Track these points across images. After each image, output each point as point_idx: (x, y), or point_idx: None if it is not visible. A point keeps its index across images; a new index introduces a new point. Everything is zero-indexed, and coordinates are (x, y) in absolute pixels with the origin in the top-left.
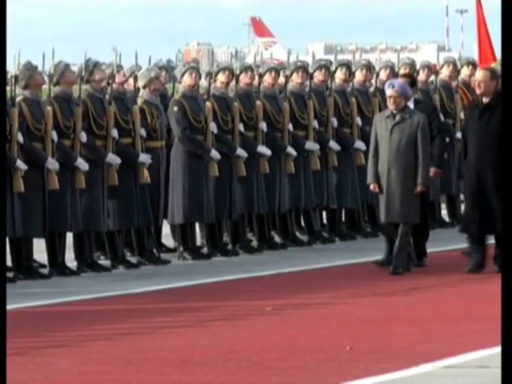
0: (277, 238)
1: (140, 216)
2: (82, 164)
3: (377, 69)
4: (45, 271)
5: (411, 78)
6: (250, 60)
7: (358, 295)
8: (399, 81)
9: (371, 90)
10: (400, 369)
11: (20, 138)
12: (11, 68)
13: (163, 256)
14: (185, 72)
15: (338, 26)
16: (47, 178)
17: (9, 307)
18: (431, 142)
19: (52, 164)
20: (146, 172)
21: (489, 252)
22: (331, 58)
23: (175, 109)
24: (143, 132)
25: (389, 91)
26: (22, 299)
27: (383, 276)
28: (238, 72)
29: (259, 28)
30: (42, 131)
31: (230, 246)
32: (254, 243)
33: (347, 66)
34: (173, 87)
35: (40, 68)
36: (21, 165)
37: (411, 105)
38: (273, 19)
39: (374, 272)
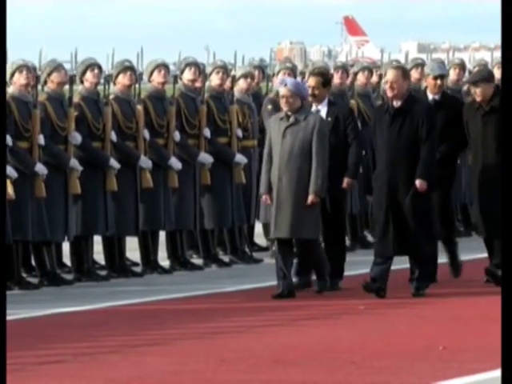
0: (369, 238)
1: (234, 215)
2: (174, 163)
3: (470, 67)
4: (138, 269)
5: (324, 77)
6: (342, 59)
7: (451, 294)
8: (292, 79)
9: (464, 88)
10: (492, 369)
11: (113, 136)
12: (104, 67)
13: (255, 255)
14: (278, 71)
15: (431, 24)
16: (140, 176)
17: (102, 305)
18: (347, 149)
19: (145, 163)
20: (241, 172)
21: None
22: (424, 56)
23: (269, 107)
24: (239, 132)
25: (281, 90)
26: (115, 297)
27: (477, 275)
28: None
29: (352, 27)
30: (133, 130)
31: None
32: (347, 242)
33: None
34: (266, 86)
35: (136, 67)
36: (114, 163)
37: (325, 106)
38: (366, 18)
39: (467, 271)
